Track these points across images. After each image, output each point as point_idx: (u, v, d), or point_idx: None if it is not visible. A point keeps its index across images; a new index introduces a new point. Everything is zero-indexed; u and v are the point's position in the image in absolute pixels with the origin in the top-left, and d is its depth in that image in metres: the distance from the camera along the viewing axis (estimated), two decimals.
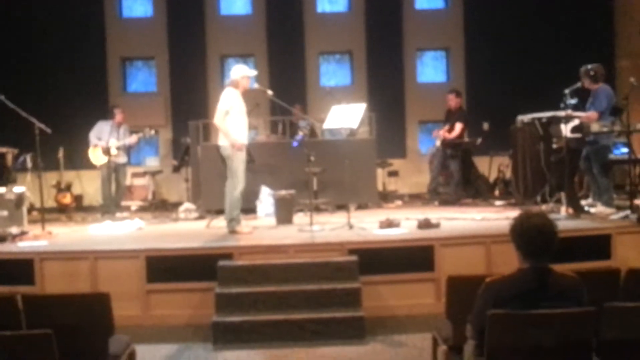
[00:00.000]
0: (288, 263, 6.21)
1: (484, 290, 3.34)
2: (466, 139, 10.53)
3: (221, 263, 6.17)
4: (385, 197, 11.03)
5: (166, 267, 6.35)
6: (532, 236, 3.24)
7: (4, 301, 4.04)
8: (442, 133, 10.32)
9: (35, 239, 7.28)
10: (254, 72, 7.58)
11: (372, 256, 6.37)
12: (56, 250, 6.66)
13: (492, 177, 11.37)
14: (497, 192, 10.90)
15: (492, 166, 11.42)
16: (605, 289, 4.00)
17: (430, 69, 13.61)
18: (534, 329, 3.17)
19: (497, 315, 3.18)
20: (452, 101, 10.46)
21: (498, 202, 9.89)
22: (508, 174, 10.70)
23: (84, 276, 6.30)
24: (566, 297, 3.24)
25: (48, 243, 7.08)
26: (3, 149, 9.20)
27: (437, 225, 7.20)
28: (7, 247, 6.86)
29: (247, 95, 7.50)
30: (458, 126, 10.23)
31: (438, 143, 10.37)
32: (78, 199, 11.89)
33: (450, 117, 10.49)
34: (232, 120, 7.17)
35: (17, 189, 8.60)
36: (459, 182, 10.40)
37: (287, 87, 11.85)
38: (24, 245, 6.92)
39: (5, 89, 7.87)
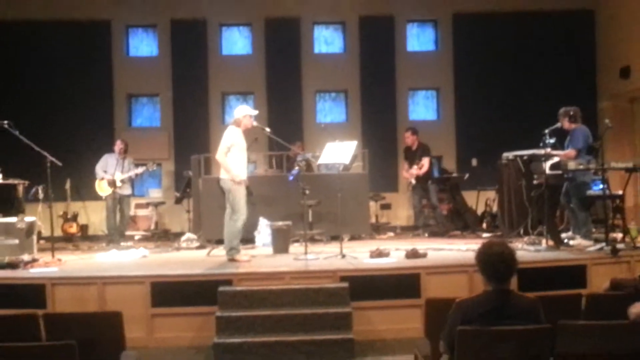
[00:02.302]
0: (284, 289, 6.51)
1: (454, 310, 3.74)
2: (455, 174, 10.97)
3: (221, 288, 6.46)
4: (378, 229, 11.37)
5: (170, 293, 6.65)
6: (494, 262, 3.64)
7: (26, 318, 4.44)
8: (413, 172, 10.62)
9: (46, 266, 7.57)
10: (255, 112, 7.93)
11: (362, 283, 6.68)
12: (66, 276, 6.97)
13: (480, 210, 11.72)
14: (484, 225, 11.21)
15: (479, 200, 11.77)
16: (570, 310, 4.45)
17: (422, 107, 13.85)
18: (497, 344, 3.53)
19: (465, 331, 3.56)
20: (409, 139, 10.81)
21: (485, 235, 10.20)
22: (495, 207, 11.00)
23: (93, 300, 6.59)
24: (525, 315, 3.62)
25: (58, 269, 7.38)
26: (15, 181, 9.60)
27: (424, 255, 7.51)
28: (20, 273, 7.16)
29: (247, 131, 7.83)
30: (425, 161, 10.63)
31: (414, 181, 10.68)
32: (84, 228, 12.21)
33: (412, 155, 10.80)
34: (233, 156, 7.54)
35: (28, 218, 8.97)
36: (441, 213, 10.81)
37: (285, 124, 12.17)
38: (35, 272, 7.21)
39: (17, 123, 8.10)
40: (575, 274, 6.96)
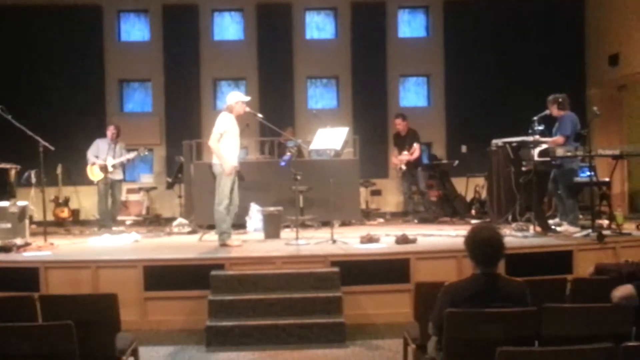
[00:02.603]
0: (275, 273, 6.61)
1: (442, 293, 3.83)
2: (445, 161, 11.06)
3: (214, 273, 6.56)
4: (368, 215, 11.50)
5: (162, 276, 6.74)
6: (482, 246, 3.74)
7: (23, 300, 4.50)
8: (404, 158, 10.73)
9: (39, 250, 7.66)
10: (247, 98, 7.97)
11: (352, 268, 6.78)
12: (60, 259, 7.06)
13: (469, 197, 11.84)
14: (473, 212, 11.31)
15: (469, 187, 11.88)
16: (555, 294, 4.56)
17: (413, 94, 13.90)
18: (485, 326, 3.62)
19: (453, 313, 3.65)
20: (401, 125, 10.91)
21: (474, 221, 10.26)
22: (484, 194, 11.13)
23: (86, 284, 6.68)
24: (512, 298, 3.73)
25: (51, 253, 7.46)
26: (7, 165, 9.63)
27: (413, 241, 7.64)
28: (13, 257, 7.24)
29: (239, 117, 7.87)
30: (416, 146, 10.74)
31: (404, 167, 10.76)
32: (75, 213, 12.25)
33: (401, 141, 10.91)
34: (226, 142, 7.60)
35: (20, 202, 9.01)
36: (429, 199, 10.93)
37: (277, 109, 12.25)
38: (28, 255, 7.30)
39: (9, 108, 8.11)
40: (561, 260, 7.09)
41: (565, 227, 8.31)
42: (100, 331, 4.29)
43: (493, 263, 3.78)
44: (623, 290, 3.70)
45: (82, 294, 5.73)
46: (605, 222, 8.68)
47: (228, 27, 13.87)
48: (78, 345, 3.77)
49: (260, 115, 8.34)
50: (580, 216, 8.75)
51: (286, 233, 8.75)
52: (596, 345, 3.08)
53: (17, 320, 3.92)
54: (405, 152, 10.72)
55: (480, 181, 11.43)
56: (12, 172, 9.73)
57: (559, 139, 8.16)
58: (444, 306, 3.74)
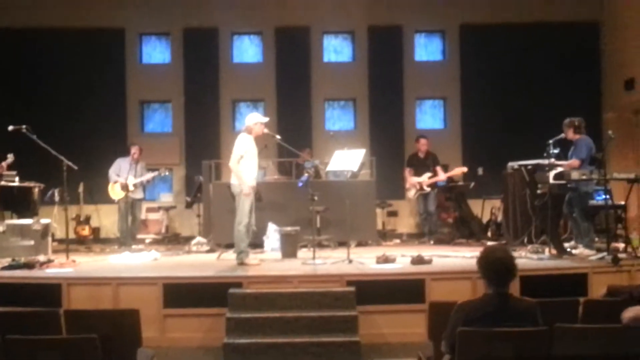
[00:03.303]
0: (292, 292, 6.67)
1: (455, 311, 3.92)
2: (461, 183, 11.13)
3: (231, 291, 6.63)
4: (384, 236, 11.56)
5: (181, 294, 6.83)
6: (495, 267, 3.83)
7: (48, 314, 4.65)
8: (428, 181, 10.77)
9: (61, 267, 7.78)
10: (266, 120, 8.11)
11: (368, 288, 6.82)
12: (82, 276, 7.18)
13: (485, 218, 11.82)
14: (489, 234, 11.29)
15: (485, 208, 11.90)
16: (568, 315, 4.61)
17: (429, 116, 13.99)
18: (496, 345, 3.69)
19: (466, 332, 3.72)
20: (425, 146, 11.02)
21: (490, 243, 10.32)
22: (500, 216, 11.09)
23: (107, 300, 6.76)
24: (523, 318, 3.80)
25: (73, 270, 7.59)
26: (31, 184, 9.84)
27: (429, 262, 7.65)
28: (36, 273, 7.37)
29: (257, 138, 8.01)
30: (439, 169, 10.90)
31: (427, 189, 10.80)
32: (96, 231, 12.42)
33: (421, 162, 10.96)
34: (244, 163, 7.74)
35: (43, 220, 9.20)
36: (436, 220, 11.04)
37: (294, 131, 12.36)
38: (51, 272, 7.43)
39: (34, 128, 8.27)
40: (576, 282, 7.06)
41: (580, 250, 8.31)
42: (122, 345, 4.41)
43: (505, 283, 3.85)
44: (633, 311, 3.76)
45: (105, 309, 5.85)
46: (621, 245, 8.68)
47: (247, 50, 14.07)
48: (101, 358, 3.87)
49: (278, 136, 8.47)
50: (596, 239, 8.74)
51: (303, 253, 8.79)
52: None
53: (42, 334, 4.05)
54: (427, 174, 10.76)
55: (497, 203, 11.41)
56: (36, 191, 9.91)
57: (574, 162, 8.22)
58: (456, 325, 3.81)
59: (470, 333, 3.74)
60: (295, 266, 7.70)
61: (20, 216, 9.54)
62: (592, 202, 8.81)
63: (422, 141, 11.04)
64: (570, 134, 8.49)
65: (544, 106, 12.44)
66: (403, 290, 6.91)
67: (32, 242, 8.79)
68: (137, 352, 4.60)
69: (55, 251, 9.19)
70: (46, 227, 9.05)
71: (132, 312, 4.67)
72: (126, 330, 4.54)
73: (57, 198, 9.39)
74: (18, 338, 3.80)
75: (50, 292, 6.85)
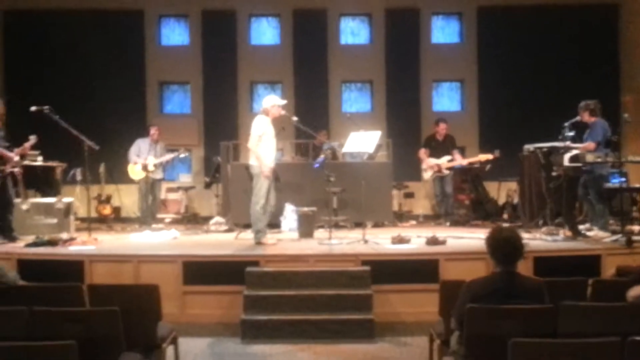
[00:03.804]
0: (308, 271, 6.81)
1: (464, 289, 4.04)
2: (477, 165, 11.15)
3: (249, 269, 6.79)
4: (401, 217, 11.64)
5: (200, 272, 6.99)
6: (502, 246, 3.94)
7: (72, 288, 4.80)
8: (447, 164, 10.81)
9: (83, 244, 7.95)
10: (283, 102, 8.19)
11: (383, 267, 6.94)
12: (104, 253, 7.34)
13: (501, 201, 11.91)
14: (505, 215, 11.38)
15: (501, 190, 11.97)
16: (576, 295, 4.69)
17: (446, 99, 14.01)
18: (503, 321, 3.79)
19: (473, 309, 3.84)
20: (445, 129, 11.04)
21: (505, 225, 10.43)
22: (516, 198, 11.16)
23: (128, 277, 6.94)
24: (530, 296, 3.91)
25: (95, 248, 7.76)
26: (53, 163, 10.07)
27: (443, 242, 7.76)
28: (59, 250, 7.56)
29: (274, 120, 8.11)
30: (457, 152, 10.95)
31: (446, 172, 10.83)
32: (116, 210, 12.62)
33: (439, 145, 10.97)
34: (263, 145, 7.84)
35: (66, 199, 9.42)
36: (453, 202, 11.05)
37: (312, 113, 12.47)
38: (74, 249, 7.61)
39: (56, 109, 8.37)
40: (589, 264, 7.10)
41: (595, 232, 8.36)
42: (143, 319, 4.53)
43: (512, 262, 3.96)
44: (637, 290, 3.85)
45: (126, 284, 6.02)
46: (636, 227, 8.73)
47: (265, 32, 14.13)
48: (123, 330, 4.03)
49: (295, 118, 8.55)
50: (611, 221, 8.78)
51: (320, 233, 8.91)
52: (603, 339, 3.25)
53: (67, 307, 4.22)
54: (447, 157, 10.83)
55: (513, 185, 11.44)
56: (58, 170, 10.16)
57: (589, 145, 8.24)
58: (464, 302, 3.93)
59: (477, 310, 3.85)
60: (312, 246, 7.82)
61: (44, 195, 9.78)
62: (608, 185, 8.82)
63: (442, 125, 11.04)
64: (585, 117, 8.49)
65: (561, 89, 12.41)
66: (417, 270, 7.00)
67: (55, 220, 9.06)
68: (157, 325, 4.74)
69: (77, 229, 9.43)
70: (69, 206, 9.29)
71: (153, 287, 4.80)
72: (147, 304, 4.65)
73: (79, 178, 9.60)
74: (45, 309, 3.97)
75: (73, 268, 7.02)
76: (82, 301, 4.65)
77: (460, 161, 10.86)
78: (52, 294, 4.66)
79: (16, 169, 8.32)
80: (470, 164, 11.04)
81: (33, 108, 8.20)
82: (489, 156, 10.70)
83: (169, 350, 4.93)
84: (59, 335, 3.58)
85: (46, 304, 4.06)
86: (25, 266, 6.97)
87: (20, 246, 7.77)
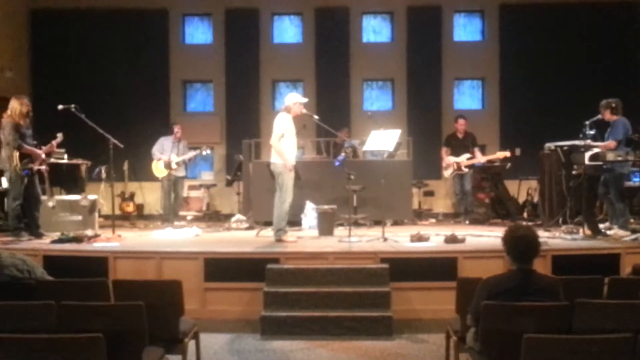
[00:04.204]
0: (328, 268, 6.84)
1: (480, 286, 4.09)
2: (497, 163, 11.14)
3: (269, 266, 6.85)
4: (420, 215, 11.68)
5: (222, 268, 7.07)
6: (519, 244, 3.99)
7: (97, 283, 4.93)
8: (467, 162, 10.77)
9: (107, 241, 8.08)
10: (305, 100, 8.22)
11: (401, 265, 6.97)
12: (127, 250, 7.47)
13: (522, 199, 11.87)
14: (525, 214, 11.35)
15: (521, 189, 11.94)
16: (592, 293, 4.71)
17: (467, 97, 14.03)
18: (518, 318, 3.82)
19: (489, 305, 3.88)
20: (464, 126, 10.99)
21: (525, 223, 10.39)
22: (536, 197, 11.15)
23: (151, 273, 7.06)
24: (545, 293, 3.95)
25: (119, 244, 7.88)
26: (79, 161, 10.25)
27: (462, 241, 7.77)
28: (84, 247, 7.70)
29: (295, 118, 8.14)
30: (477, 150, 10.91)
31: (466, 170, 10.81)
32: (139, 207, 12.81)
33: (459, 143, 10.93)
34: (286, 142, 7.89)
35: (90, 196, 9.57)
36: (472, 200, 11.01)
37: (333, 111, 12.58)
38: (98, 246, 7.73)
39: (81, 107, 8.44)
40: (608, 263, 7.07)
41: (615, 231, 8.33)
42: (166, 313, 4.62)
43: (528, 260, 4.00)
44: None
45: (150, 280, 6.13)
46: None
47: (287, 31, 14.24)
48: (147, 324, 4.12)
49: (316, 117, 8.59)
50: (632, 220, 8.75)
51: (339, 231, 8.95)
52: (616, 335, 3.30)
53: (93, 302, 4.34)
54: (466, 155, 10.85)
55: (533, 184, 11.42)
56: (83, 168, 10.33)
57: (610, 143, 8.21)
58: (481, 299, 3.98)
59: (493, 307, 3.89)
60: (331, 243, 7.86)
61: (69, 192, 9.95)
62: (628, 184, 8.78)
63: (461, 121, 11.04)
64: (607, 115, 8.46)
65: (583, 87, 12.36)
66: (436, 268, 7.03)
67: (80, 217, 9.21)
68: (179, 320, 4.84)
69: (101, 226, 9.56)
70: (93, 203, 9.44)
71: (176, 282, 4.90)
72: (169, 299, 4.75)
73: (103, 175, 9.72)
74: (72, 304, 4.08)
75: (97, 264, 7.15)
76: (107, 296, 4.75)
77: (479, 159, 10.85)
78: (79, 289, 4.77)
79: (43, 167, 8.47)
80: (489, 161, 11.02)
81: (60, 106, 8.33)
82: (507, 153, 10.67)
83: (191, 345, 5.01)
84: (87, 328, 3.67)
85: (73, 299, 4.17)
86: (51, 262, 7.08)
87: (46, 242, 7.89)
